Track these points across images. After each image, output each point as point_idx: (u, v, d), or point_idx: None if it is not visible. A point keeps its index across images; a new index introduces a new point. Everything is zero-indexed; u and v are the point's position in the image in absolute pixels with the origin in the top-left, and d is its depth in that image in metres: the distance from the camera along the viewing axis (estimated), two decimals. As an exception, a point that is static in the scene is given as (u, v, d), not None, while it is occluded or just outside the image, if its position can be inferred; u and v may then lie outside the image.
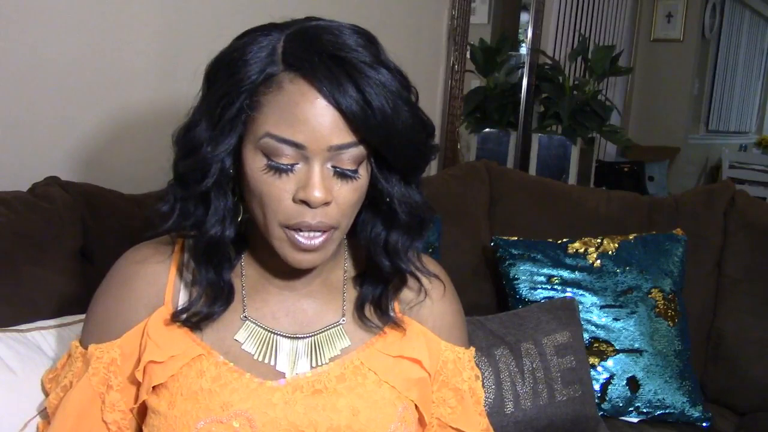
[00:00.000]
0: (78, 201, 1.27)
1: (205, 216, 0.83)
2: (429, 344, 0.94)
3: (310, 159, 0.78)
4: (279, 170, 0.78)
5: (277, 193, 0.78)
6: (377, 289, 0.91)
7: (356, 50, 0.77)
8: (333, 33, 0.77)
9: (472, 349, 1.00)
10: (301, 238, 0.80)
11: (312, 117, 0.76)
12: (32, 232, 1.17)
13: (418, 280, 0.93)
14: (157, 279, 0.89)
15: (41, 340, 1.05)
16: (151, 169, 1.55)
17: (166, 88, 1.59)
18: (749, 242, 1.83)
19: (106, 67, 1.47)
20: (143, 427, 0.89)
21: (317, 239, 0.80)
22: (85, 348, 0.89)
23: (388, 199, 0.86)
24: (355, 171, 0.80)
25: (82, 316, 1.13)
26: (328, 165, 0.79)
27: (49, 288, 1.16)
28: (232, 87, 0.78)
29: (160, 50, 1.57)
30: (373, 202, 0.87)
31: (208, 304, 0.86)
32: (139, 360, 0.86)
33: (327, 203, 0.79)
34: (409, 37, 2.29)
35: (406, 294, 0.94)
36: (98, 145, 1.49)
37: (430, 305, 0.96)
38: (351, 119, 0.76)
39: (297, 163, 0.78)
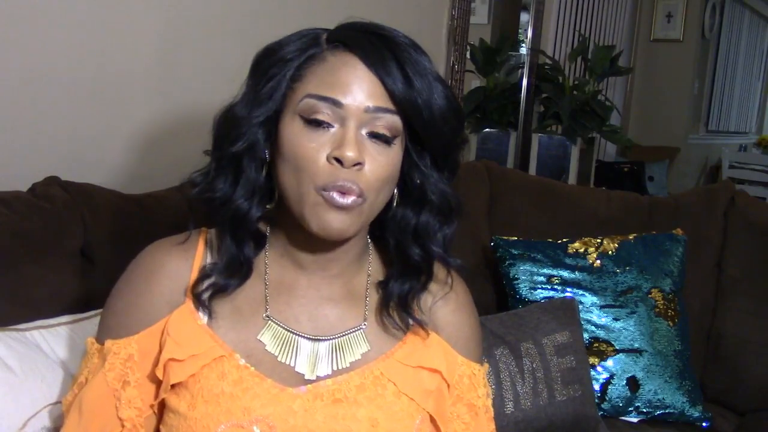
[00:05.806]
0: (78, 201, 1.27)
1: (234, 188, 0.85)
2: (447, 356, 0.93)
3: (347, 120, 0.80)
4: (316, 124, 0.80)
5: (313, 154, 0.80)
6: (405, 285, 0.91)
7: (397, 34, 0.82)
8: (375, 24, 0.84)
9: (486, 366, 0.99)
10: (335, 194, 0.80)
11: (352, 80, 0.80)
12: (32, 232, 1.17)
13: (446, 267, 0.93)
14: (179, 275, 0.88)
15: (41, 340, 1.05)
16: (151, 169, 1.56)
17: (166, 88, 1.59)
18: (749, 242, 1.82)
19: (106, 67, 1.47)
20: (160, 426, 0.88)
21: (349, 198, 0.80)
22: (102, 344, 0.88)
23: (419, 181, 0.87)
24: (390, 138, 0.82)
25: (83, 315, 1.13)
26: (363, 131, 0.81)
27: (49, 288, 1.16)
28: (274, 64, 0.82)
29: (161, 50, 1.57)
30: (403, 194, 0.89)
31: (224, 277, 0.86)
32: (158, 358, 0.85)
33: (359, 164, 0.80)
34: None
35: (432, 286, 0.94)
36: (98, 145, 1.49)
37: (449, 312, 0.95)
38: (390, 89, 0.80)
39: (333, 125, 0.81)
